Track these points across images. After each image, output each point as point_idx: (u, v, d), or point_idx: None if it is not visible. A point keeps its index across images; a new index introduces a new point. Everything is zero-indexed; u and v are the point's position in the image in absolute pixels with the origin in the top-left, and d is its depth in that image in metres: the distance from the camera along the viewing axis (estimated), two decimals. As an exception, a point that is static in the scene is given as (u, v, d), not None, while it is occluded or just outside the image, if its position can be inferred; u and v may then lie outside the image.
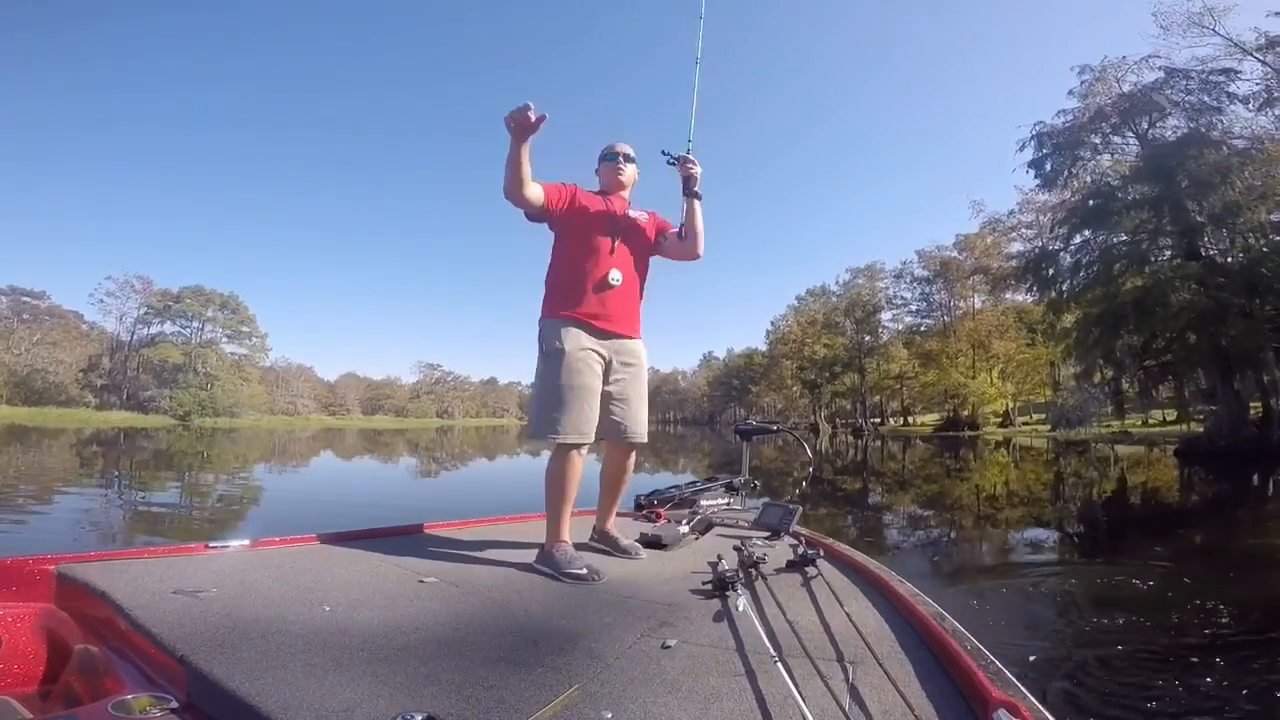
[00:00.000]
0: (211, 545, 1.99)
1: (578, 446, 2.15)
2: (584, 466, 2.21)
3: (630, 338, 2.37)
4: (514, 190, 2.13)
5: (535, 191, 2.18)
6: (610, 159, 2.44)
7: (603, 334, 2.27)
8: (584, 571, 1.94)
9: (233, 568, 1.81)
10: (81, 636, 1.41)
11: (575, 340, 2.20)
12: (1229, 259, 19.34)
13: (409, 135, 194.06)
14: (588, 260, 2.28)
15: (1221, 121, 19.61)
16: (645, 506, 3.12)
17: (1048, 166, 23.08)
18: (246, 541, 2.06)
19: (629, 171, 2.45)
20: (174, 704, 1.07)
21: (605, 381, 2.28)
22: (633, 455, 2.43)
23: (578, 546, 2.16)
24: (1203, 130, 19.37)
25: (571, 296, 2.26)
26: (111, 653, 1.32)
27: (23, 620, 1.44)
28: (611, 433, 2.32)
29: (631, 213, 2.43)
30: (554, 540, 2.09)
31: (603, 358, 2.27)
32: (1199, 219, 18.68)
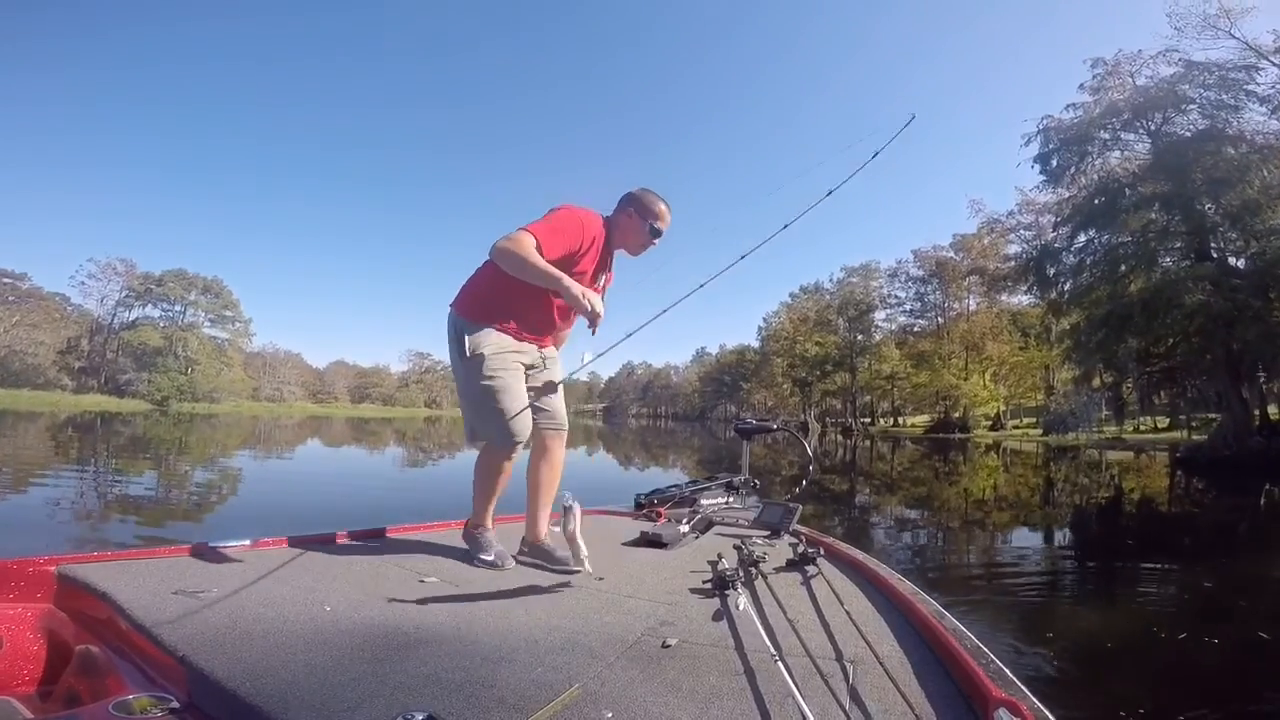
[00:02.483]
0: (212, 545, 1.97)
1: (519, 446, 2.15)
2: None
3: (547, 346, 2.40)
4: (511, 274, 2.07)
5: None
6: (656, 233, 2.31)
7: (526, 342, 2.27)
8: (493, 558, 2.10)
9: (233, 568, 1.80)
10: (82, 637, 1.40)
11: (501, 344, 2.16)
12: (1241, 260, 18.79)
13: (401, 118, 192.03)
14: (551, 304, 2.22)
15: (1238, 120, 18.97)
16: (645, 506, 3.10)
17: (1054, 162, 22.40)
18: (247, 542, 2.05)
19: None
20: (174, 704, 1.06)
21: (528, 379, 2.27)
22: (563, 446, 2.36)
23: (505, 559, 2.19)
24: (1219, 128, 18.73)
25: (513, 317, 2.20)
26: (112, 653, 1.31)
27: (23, 620, 1.44)
28: (539, 422, 2.27)
29: (608, 278, 2.42)
30: (479, 522, 2.21)
31: (526, 358, 2.25)
32: (1215, 218, 18.09)
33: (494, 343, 2.14)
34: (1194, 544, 7.09)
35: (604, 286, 2.40)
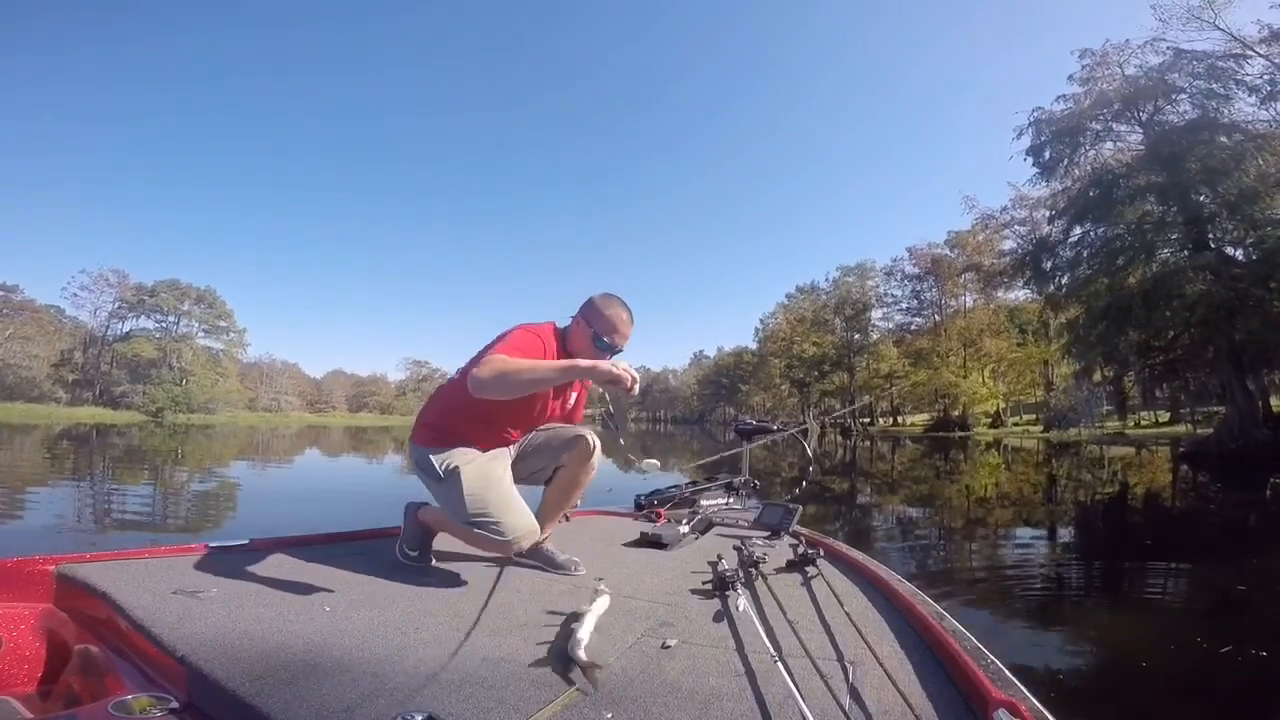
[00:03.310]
0: (212, 545, 1.97)
1: (523, 544, 1.92)
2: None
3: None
4: (507, 394, 1.85)
5: None
6: (606, 348, 2.06)
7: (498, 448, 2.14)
8: (418, 553, 2.04)
9: (233, 568, 1.80)
10: (81, 636, 1.41)
11: (471, 452, 2.01)
12: (1239, 250, 18.67)
13: (398, 123, 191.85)
14: (519, 410, 2.07)
15: (1229, 110, 18.90)
16: (645, 506, 3.11)
17: (1046, 154, 22.39)
18: (246, 541, 2.04)
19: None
20: (174, 704, 1.06)
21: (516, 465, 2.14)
22: (596, 452, 2.10)
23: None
24: (1210, 117, 18.64)
25: (477, 436, 2.05)
26: (111, 653, 1.32)
27: (23, 620, 1.44)
28: (565, 447, 2.11)
29: (568, 394, 2.26)
30: (433, 527, 2.09)
31: (504, 453, 2.13)
32: (1212, 207, 17.98)
33: (464, 453, 1.98)
34: (1203, 540, 6.93)
35: (573, 402, 2.27)
